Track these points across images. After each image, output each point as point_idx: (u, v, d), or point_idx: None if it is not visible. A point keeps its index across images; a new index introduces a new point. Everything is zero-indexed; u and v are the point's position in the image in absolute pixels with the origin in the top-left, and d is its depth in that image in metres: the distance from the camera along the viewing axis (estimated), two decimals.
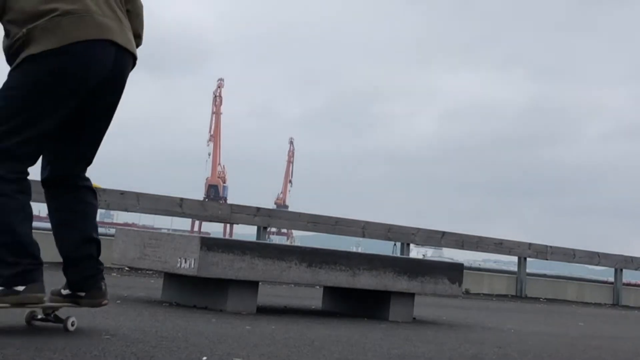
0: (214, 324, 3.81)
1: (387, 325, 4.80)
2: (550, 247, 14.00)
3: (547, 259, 13.95)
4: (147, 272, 8.43)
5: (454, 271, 5.52)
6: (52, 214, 3.29)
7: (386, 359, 3.15)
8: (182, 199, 10.09)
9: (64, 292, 3.28)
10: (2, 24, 3.01)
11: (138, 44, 3.29)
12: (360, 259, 5.06)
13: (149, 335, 3.17)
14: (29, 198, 3.01)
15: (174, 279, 4.92)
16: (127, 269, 8.38)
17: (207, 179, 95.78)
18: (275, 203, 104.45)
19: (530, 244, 13.69)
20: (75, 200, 3.23)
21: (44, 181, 3.23)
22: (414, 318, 5.40)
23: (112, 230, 10.15)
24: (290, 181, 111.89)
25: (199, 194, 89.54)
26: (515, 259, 13.68)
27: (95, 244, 3.27)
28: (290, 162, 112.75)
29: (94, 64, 3.00)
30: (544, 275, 14.56)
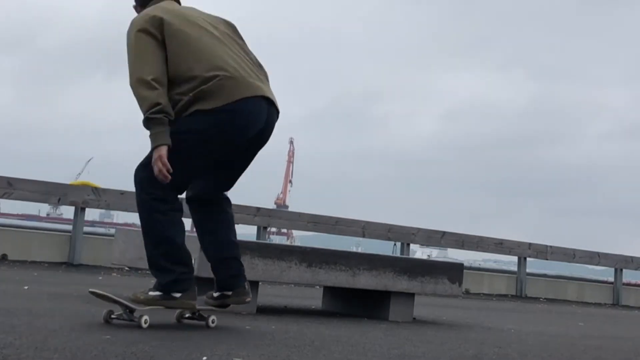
0: (214, 324, 3.81)
1: (387, 325, 4.79)
2: (550, 247, 14.00)
3: (547, 259, 13.95)
4: (147, 272, 8.41)
5: (454, 271, 5.52)
6: (198, 224, 3.82)
7: (386, 359, 3.15)
8: (182, 199, 10.08)
9: (215, 294, 3.79)
10: (169, 95, 3.47)
11: None
12: (360, 259, 5.06)
13: (149, 335, 3.17)
14: (182, 214, 3.57)
15: None
16: (127, 269, 8.38)
17: None
18: (275, 203, 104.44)
19: (530, 244, 13.68)
20: (217, 211, 3.79)
21: (189, 198, 3.80)
22: (414, 318, 5.40)
23: (112, 230, 10.15)
24: (290, 181, 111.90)
25: None
26: (515, 259, 13.68)
27: (237, 246, 3.82)
28: (290, 162, 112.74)
29: (253, 117, 3.59)
30: (544, 275, 14.55)
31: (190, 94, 3.45)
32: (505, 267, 18.52)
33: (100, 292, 3.49)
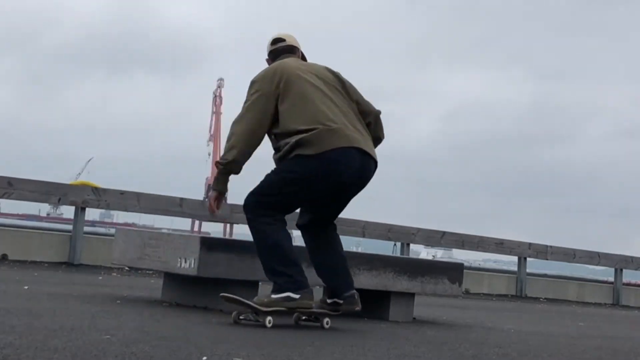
0: (214, 324, 3.82)
1: (387, 325, 4.80)
2: (550, 247, 14.00)
3: (547, 259, 13.95)
4: (147, 272, 8.43)
5: (454, 271, 5.52)
6: (308, 242, 4.32)
7: (386, 359, 3.15)
8: (182, 199, 10.09)
9: (329, 301, 4.23)
10: (271, 137, 4.10)
11: (377, 144, 4.34)
12: (360, 259, 5.06)
13: (149, 335, 3.17)
14: (285, 224, 4.06)
15: (174, 279, 4.92)
16: (127, 269, 8.38)
17: (207, 179, 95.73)
18: None
19: (530, 244, 13.68)
20: (327, 232, 4.30)
21: (302, 225, 4.31)
22: (414, 318, 5.40)
23: (112, 230, 10.15)
24: None
25: (199, 194, 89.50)
26: (515, 258, 13.68)
27: (345, 259, 4.29)
28: None
29: (344, 166, 4.03)
30: (544, 275, 14.55)
31: (294, 140, 3.98)
32: (505, 267, 18.50)
33: (231, 295, 3.95)
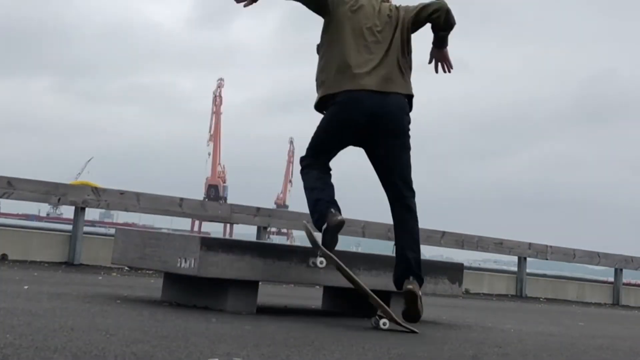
0: (214, 324, 3.81)
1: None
2: (550, 247, 14.01)
3: (547, 259, 13.96)
4: (147, 272, 8.43)
5: (454, 271, 5.52)
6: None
7: (386, 359, 3.15)
8: (182, 199, 10.10)
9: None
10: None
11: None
12: (360, 259, 5.06)
13: (149, 335, 3.17)
14: (318, 173, 4.57)
15: (174, 279, 4.92)
16: (127, 269, 8.38)
17: (207, 179, 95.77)
18: (275, 203, 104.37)
19: (530, 244, 13.69)
20: (396, 214, 4.55)
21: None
22: None
23: (112, 230, 10.16)
24: (290, 181, 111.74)
25: (199, 194, 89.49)
26: (515, 258, 13.69)
27: (405, 257, 4.50)
28: (290, 162, 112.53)
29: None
30: (544, 275, 14.55)
31: None
32: (505, 267, 18.50)
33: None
